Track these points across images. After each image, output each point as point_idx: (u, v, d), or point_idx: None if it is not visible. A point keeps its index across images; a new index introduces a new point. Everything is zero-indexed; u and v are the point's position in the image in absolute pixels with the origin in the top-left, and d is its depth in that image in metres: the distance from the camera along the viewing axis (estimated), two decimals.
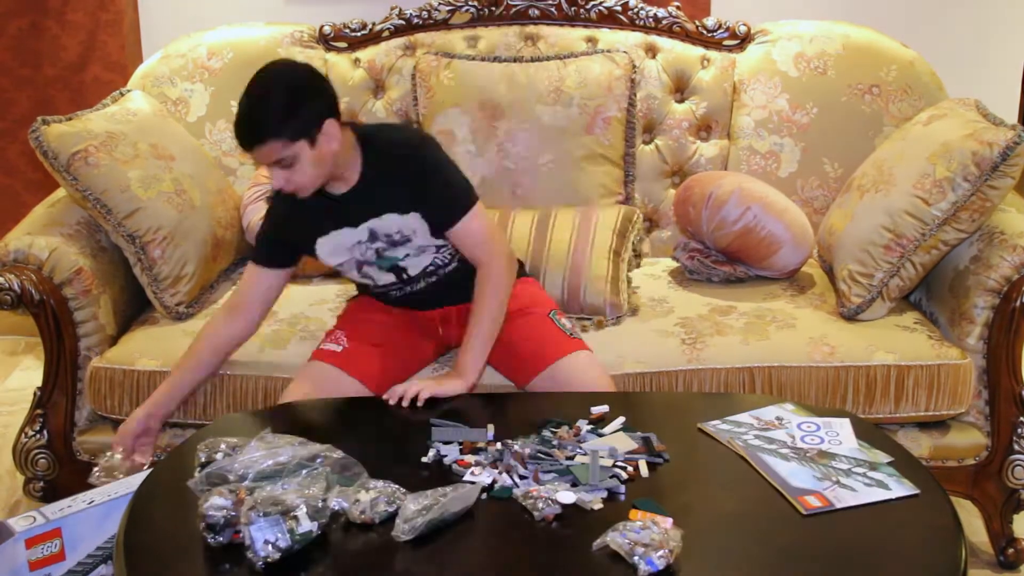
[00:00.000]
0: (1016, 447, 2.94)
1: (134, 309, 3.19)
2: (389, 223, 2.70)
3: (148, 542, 2.05)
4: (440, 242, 2.76)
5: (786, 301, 3.13)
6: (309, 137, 2.50)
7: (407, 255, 2.75)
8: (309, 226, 2.74)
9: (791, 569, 1.92)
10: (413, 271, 2.78)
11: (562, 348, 2.77)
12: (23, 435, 3.00)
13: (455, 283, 2.81)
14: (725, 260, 3.27)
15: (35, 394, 3.01)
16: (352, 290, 3.11)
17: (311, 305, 3.17)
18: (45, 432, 2.99)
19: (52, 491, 3.03)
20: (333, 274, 3.35)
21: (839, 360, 2.88)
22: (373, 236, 2.72)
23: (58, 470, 3.01)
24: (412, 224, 2.71)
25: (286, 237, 2.77)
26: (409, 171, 2.67)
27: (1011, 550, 3.00)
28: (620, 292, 3.11)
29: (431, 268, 2.79)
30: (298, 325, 3.05)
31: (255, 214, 3.35)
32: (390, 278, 2.79)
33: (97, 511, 2.41)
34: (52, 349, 2.96)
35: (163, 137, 3.25)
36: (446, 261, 2.80)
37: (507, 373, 2.84)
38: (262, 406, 2.89)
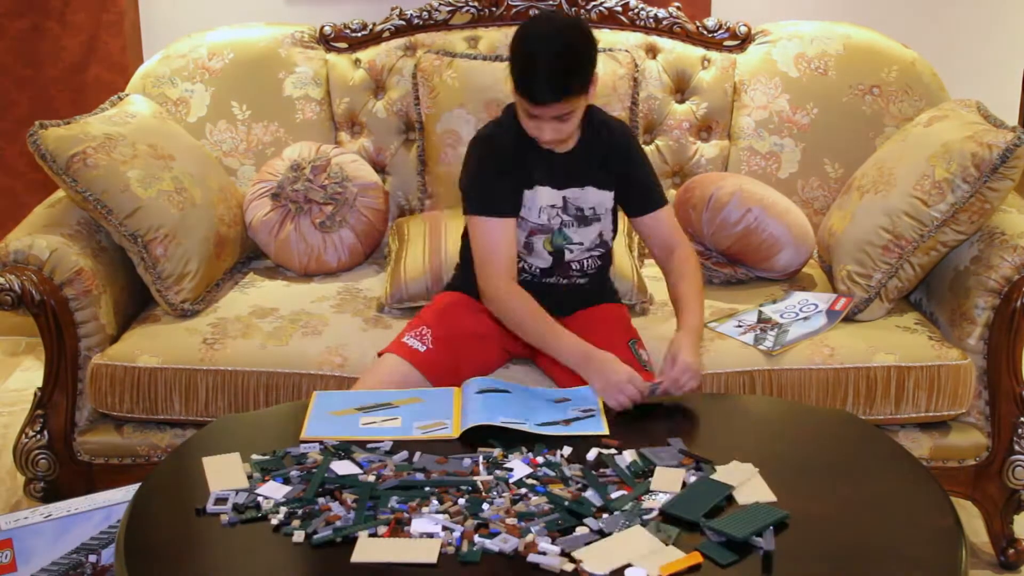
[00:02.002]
0: (1017, 447, 2.94)
1: (135, 309, 3.19)
2: (587, 196, 2.77)
3: (148, 542, 2.05)
4: (602, 249, 2.82)
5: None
6: (587, 89, 2.61)
7: (580, 244, 2.79)
8: (517, 173, 2.73)
9: (791, 569, 1.92)
10: (568, 262, 2.80)
11: None
12: (23, 436, 3.00)
13: (575, 295, 2.82)
14: (726, 262, 3.27)
15: (35, 395, 3.01)
16: (340, 304, 3.08)
17: (312, 302, 3.17)
18: (45, 433, 2.99)
19: (53, 491, 3.03)
20: (332, 272, 3.36)
21: (839, 362, 2.88)
22: (565, 206, 2.76)
23: (59, 471, 3.01)
24: (606, 203, 2.79)
25: (507, 175, 2.72)
26: (622, 152, 2.79)
27: (1012, 551, 3.00)
28: (642, 278, 3.13)
29: (578, 269, 2.82)
30: (299, 321, 3.05)
31: (259, 210, 3.35)
32: (543, 261, 2.79)
33: (53, 525, 2.37)
34: (52, 349, 2.96)
35: (162, 138, 3.25)
36: (594, 267, 2.84)
37: None
38: (264, 403, 2.90)
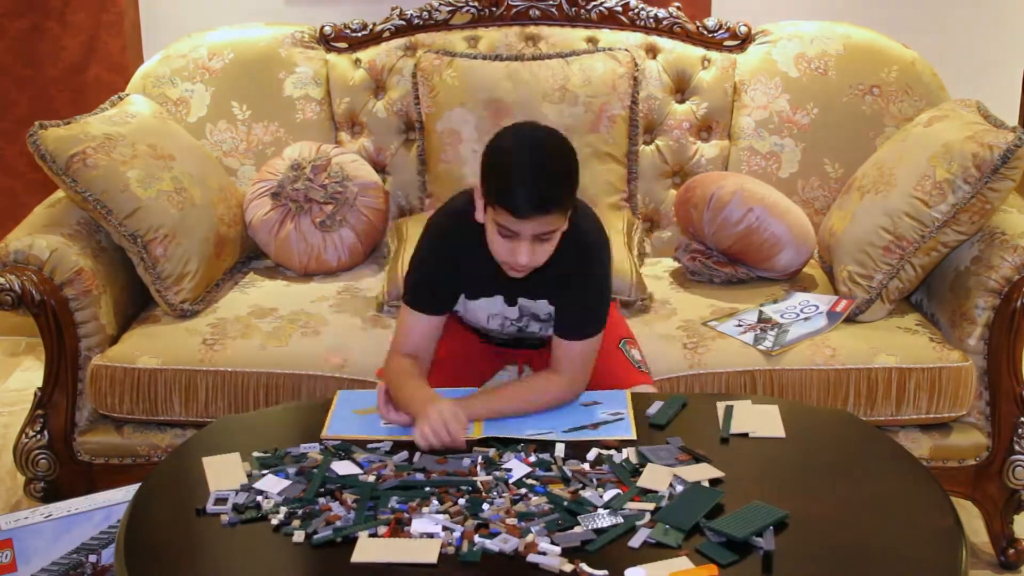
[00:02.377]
0: (1017, 448, 2.94)
1: (135, 309, 3.19)
2: (540, 307, 2.59)
3: (148, 542, 2.05)
4: None
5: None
6: (572, 204, 2.38)
7: (541, 328, 2.65)
8: (462, 280, 2.56)
9: (791, 569, 1.92)
10: (532, 332, 2.70)
11: (625, 382, 2.67)
12: (23, 436, 3.00)
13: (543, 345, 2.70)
14: (726, 261, 3.26)
15: (36, 395, 3.01)
16: (341, 303, 3.09)
17: (312, 302, 3.17)
18: (46, 433, 2.99)
19: (53, 492, 3.03)
20: (332, 272, 3.35)
21: (840, 363, 2.88)
22: (521, 314, 2.61)
23: (59, 471, 3.01)
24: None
25: (442, 280, 2.55)
26: (576, 266, 2.47)
27: (1012, 551, 3.00)
28: (641, 275, 3.12)
29: (546, 332, 2.65)
30: (299, 322, 3.05)
31: (259, 209, 3.35)
32: (510, 333, 2.70)
33: (53, 525, 2.37)
34: (53, 349, 2.96)
35: (162, 138, 3.25)
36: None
37: None
38: (263, 404, 2.90)
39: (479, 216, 2.40)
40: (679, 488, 2.12)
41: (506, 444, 2.30)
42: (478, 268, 2.49)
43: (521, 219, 2.28)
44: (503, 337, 2.74)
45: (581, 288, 2.50)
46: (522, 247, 2.33)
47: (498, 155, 2.35)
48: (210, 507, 2.07)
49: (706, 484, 2.12)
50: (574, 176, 2.34)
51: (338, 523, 2.02)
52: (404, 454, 2.27)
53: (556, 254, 2.39)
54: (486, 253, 2.41)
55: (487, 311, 2.62)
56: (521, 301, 2.59)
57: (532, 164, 2.29)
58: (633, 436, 2.34)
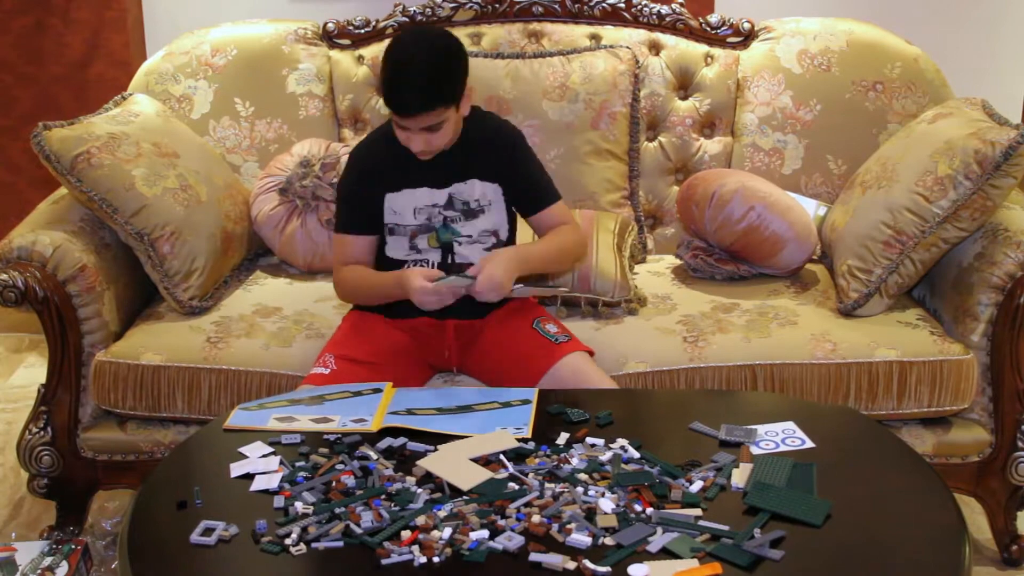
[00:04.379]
0: (1020, 444, 2.94)
1: (138, 306, 3.20)
2: (471, 189, 2.78)
3: (152, 540, 2.05)
4: (494, 240, 2.80)
5: (789, 298, 3.13)
6: (457, 101, 2.64)
7: (468, 236, 2.79)
8: (384, 180, 2.78)
9: (792, 567, 1.92)
10: (459, 258, 2.80)
11: (548, 359, 2.74)
12: (27, 432, 3.00)
13: (465, 297, 2.73)
14: (728, 258, 3.26)
15: (39, 391, 3.02)
16: (342, 303, 3.09)
17: (316, 302, 3.17)
18: (49, 429, 3.00)
19: (56, 488, 3.04)
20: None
21: (841, 357, 2.88)
22: (450, 202, 2.77)
23: (62, 467, 3.02)
24: (490, 195, 2.78)
25: (364, 194, 2.80)
26: (507, 144, 2.81)
27: (1015, 547, 3.00)
28: (627, 276, 3.12)
29: (489, 244, 2.81)
30: (303, 323, 3.05)
31: (266, 205, 3.35)
32: (435, 257, 2.80)
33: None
34: (56, 346, 2.96)
35: (166, 136, 3.25)
36: (500, 243, 2.83)
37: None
38: None
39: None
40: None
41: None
42: (399, 163, 2.74)
43: (402, 116, 2.60)
44: (431, 253, 2.80)
45: (525, 167, 2.83)
46: (413, 137, 2.64)
47: (386, 57, 2.62)
48: (195, 538, 2.00)
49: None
50: (455, 73, 2.62)
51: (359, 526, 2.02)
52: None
53: (482, 140, 2.75)
54: (397, 155, 2.72)
55: (413, 204, 2.79)
56: (453, 187, 2.78)
57: (413, 66, 2.57)
58: (528, 433, 2.34)
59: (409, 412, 2.43)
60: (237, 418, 2.44)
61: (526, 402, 2.47)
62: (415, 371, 2.85)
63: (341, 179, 2.89)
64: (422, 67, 2.57)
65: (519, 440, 2.30)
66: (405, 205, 2.79)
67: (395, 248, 2.82)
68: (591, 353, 2.84)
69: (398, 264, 2.81)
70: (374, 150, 2.81)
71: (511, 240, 2.87)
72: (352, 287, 2.84)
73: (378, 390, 2.54)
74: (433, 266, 2.79)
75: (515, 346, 2.79)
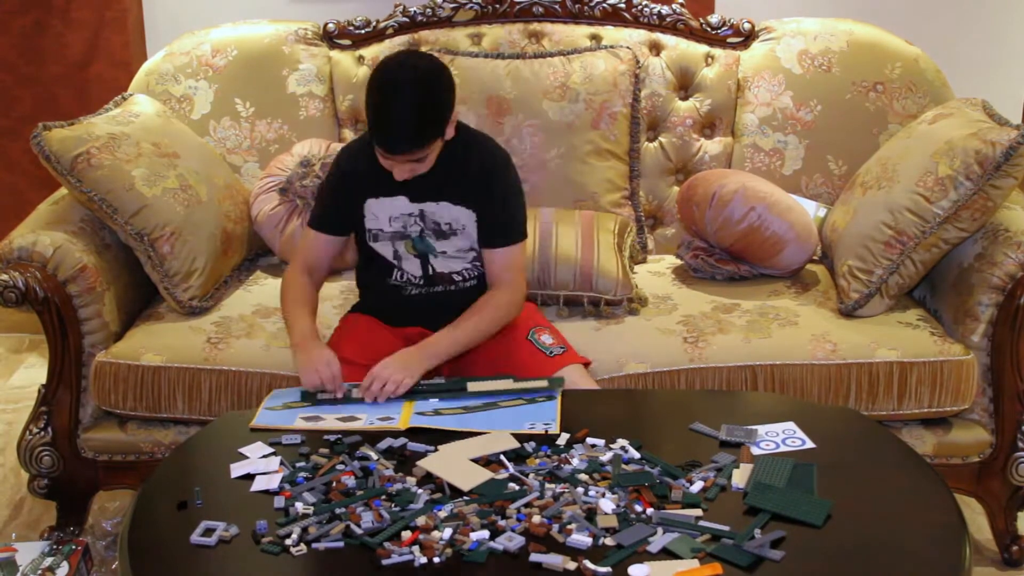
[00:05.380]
0: (1020, 445, 2.94)
1: (138, 306, 3.20)
2: (443, 211, 2.76)
3: (153, 540, 2.05)
4: (474, 254, 2.79)
5: (790, 299, 3.13)
6: (443, 133, 2.62)
7: (443, 252, 2.78)
8: (365, 186, 2.77)
9: (793, 566, 1.92)
10: (439, 268, 2.80)
11: (544, 371, 2.71)
12: (27, 432, 3.00)
13: (458, 305, 2.76)
14: (729, 259, 3.26)
15: (39, 391, 3.02)
16: (344, 304, 3.09)
17: None
18: (50, 429, 3.00)
19: (57, 488, 3.04)
20: (337, 272, 3.35)
21: (841, 357, 2.88)
22: (423, 217, 2.76)
23: (62, 467, 3.02)
24: (463, 220, 2.76)
25: (342, 196, 2.80)
26: (484, 172, 2.74)
27: (1015, 547, 3.00)
28: (628, 275, 3.12)
29: (454, 276, 2.81)
30: None
31: (266, 204, 3.35)
32: (415, 267, 2.80)
33: None
34: (56, 346, 2.96)
35: (166, 136, 3.25)
36: (469, 276, 2.82)
37: None
38: None
39: None
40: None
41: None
42: (382, 171, 2.68)
43: (388, 156, 2.58)
44: (422, 289, 2.81)
45: (500, 197, 2.75)
46: (397, 167, 2.62)
47: (371, 92, 2.58)
48: (195, 538, 2.01)
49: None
50: (441, 112, 2.59)
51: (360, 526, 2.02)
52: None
53: (461, 164, 2.70)
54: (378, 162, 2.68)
55: (389, 212, 2.78)
56: (425, 204, 2.75)
57: (399, 108, 2.52)
58: (557, 428, 2.36)
59: (436, 412, 2.44)
60: (263, 418, 2.44)
61: (551, 398, 2.49)
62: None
63: (326, 177, 2.91)
64: (411, 110, 2.52)
65: (549, 435, 2.33)
66: (382, 211, 2.78)
67: (383, 250, 2.83)
68: (587, 364, 2.83)
69: (387, 263, 2.83)
70: (360, 154, 2.78)
71: (473, 267, 2.84)
72: (283, 298, 2.84)
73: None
74: (419, 280, 2.82)
75: (508, 359, 2.76)
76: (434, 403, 2.50)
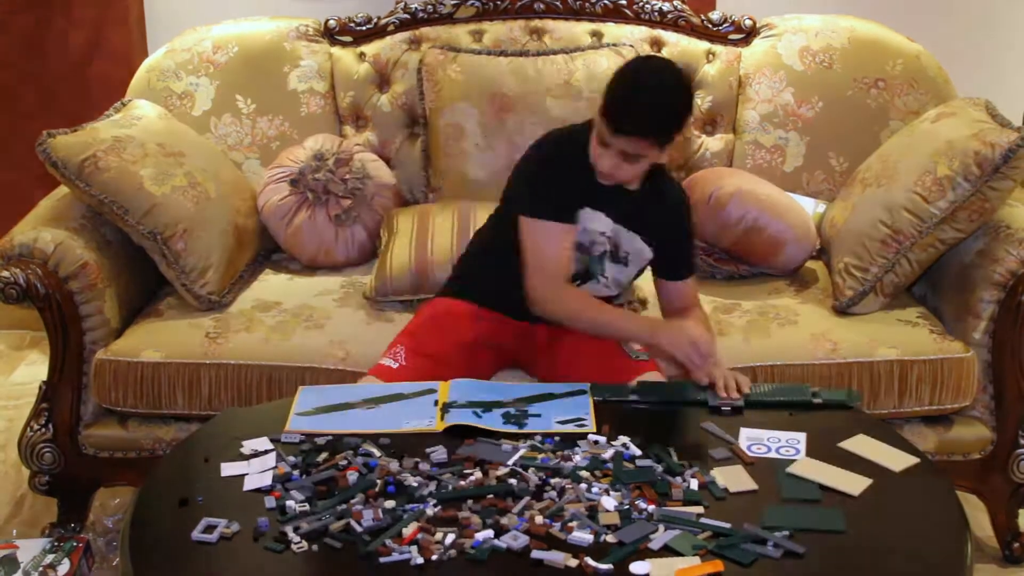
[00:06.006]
0: (1022, 441, 2.95)
1: (139, 303, 3.20)
2: (631, 240, 2.75)
3: (154, 537, 2.05)
4: (624, 283, 2.85)
5: (789, 297, 3.13)
6: (668, 144, 2.58)
7: (606, 277, 2.78)
8: (582, 189, 2.67)
9: (796, 562, 1.92)
10: (603, 283, 2.79)
11: (630, 374, 2.68)
12: (28, 429, 3.01)
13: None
14: (728, 258, 3.26)
15: (40, 388, 3.02)
16: (344, 298, 3.09)
17: (316, 296, 3.17)
18: (51, 426, 3.00)
19: (57, 485, 3.04)
20: (338, 267, 3.35)
21: (841, 356, 2.88)
22: (616, 240, 2.74)
23: (63, 464, 3.02)
24: (644, 254, 2.77)
25: (567, 187, 2.67)
26: (677, 215, 2.79)
27: (1016, 544, 3.00)
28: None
29: (607, 293, 2.82)
30: (303, 316, 3.05)
31: (274, 195, 3.35)
32: (596, 253, 2.77)
33: None
34: (57, 343, 2.96)
35: (170, 136, 3.25)
36: (613, 296, 2.86)
37: None
38: (267, 397, 2.90)
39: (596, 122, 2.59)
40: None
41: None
42: (594, 179, 2.64)
43: (615, 133, 2.51)
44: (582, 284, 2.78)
45: (687, 235, 2.82)
46: (607, 154, 2.56)
47: (622, 74, 2.59)
48: (196, 535, 2.01)
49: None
50: (676, 114, 2.56)
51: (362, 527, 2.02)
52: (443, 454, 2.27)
53: (658, 204, 2.71)
54: (589, 169, 2.63)
55: (588, 224, 2.71)
56: (621, 228, 2.72)
57: (641, 88, 2.53)
58: (592, 426, 2.36)
59: (474, 413, 2.41)
60: (296, 423, 2.40)
61: (581, 392, 2.50)
62: (485, 368, 2.79)
63: (535, 164, 2.73)
64: (664, 93, 2.53)
65: (584, 433, 2.33)
66: (591, 221, 2.71)
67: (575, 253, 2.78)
68: (663, 373, 2.80)
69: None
70: (579, 152, 2.65)
71: (614, 295, 2.87)
72: (575, 314, 2.71)
73: (432, 390, 2.52)
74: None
75: (599, 359, 2.72)
76: (465, 396, 2.47)
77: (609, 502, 2.06)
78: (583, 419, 2.38)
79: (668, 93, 2.55)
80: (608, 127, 2.52)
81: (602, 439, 2.30)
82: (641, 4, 3.61)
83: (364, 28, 3.66)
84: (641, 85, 2.54)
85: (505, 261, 2.74)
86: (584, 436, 2.31)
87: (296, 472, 2.19)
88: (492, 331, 2.81)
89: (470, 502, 2.08)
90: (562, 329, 2.75)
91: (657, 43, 3.58)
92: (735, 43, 3.61)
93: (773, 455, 2.25)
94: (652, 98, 2.52)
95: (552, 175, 2.69)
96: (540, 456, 2.23)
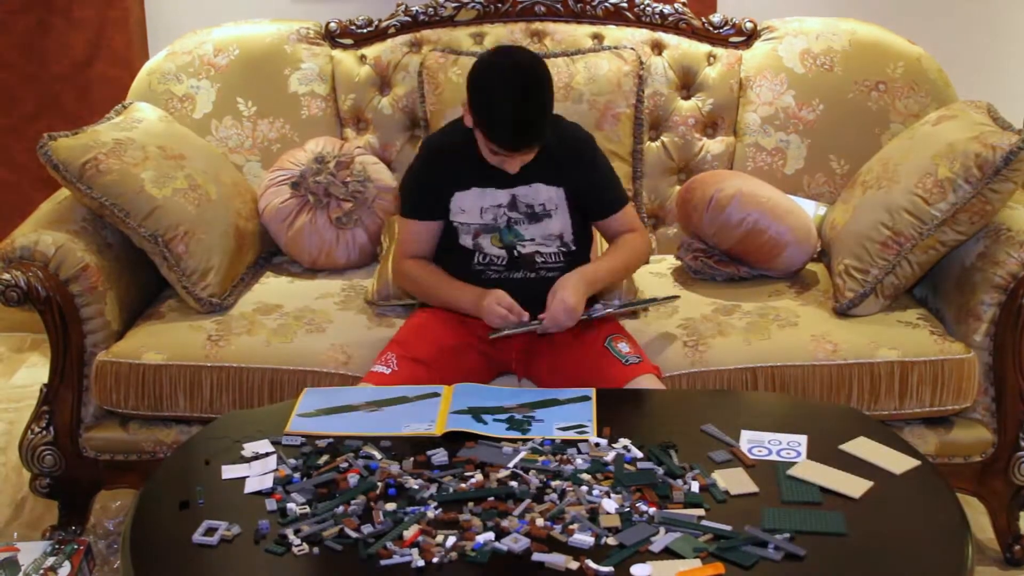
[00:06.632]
0: (1023, 444, 2.94)
1: (140, 306, 3.20)
2: (535, 192, 2.80)
3: (154, 540, 2.05)
4: (567, 237, 2.84)
5: (790, 299, 3.13)
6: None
7: (531, 239, 2.81)
8: (452, 178, 2.81)
9: (796, 565, 1.92)
10: (527, 255, 2.82)
11: (617, 380, 2.70)
12: (29, 432, 3.00)
13: (539, 295, 2.74)
14: (728, 260, 3.26)
15: (41, 391, 3.02)
16: (345, 300, 3.09)
17: (317, 299, 3.17)
18: (51, 429, 3.00)
19: (58, 488, 3.04)
20: (339, 270, 3.35)
21: (842, 358, 2.88)
22: (513, 204, 2.79)
23: (64, 467, 3.02)
24: (556, 200, 2.80)
25: (430, 187, 2.83)
26: (571, 148, 2.82)
27: (1017, 547, 3.00)
28: (633, 281, 3.12)
29: (540, 261, 2.83)
30: (304, 319, 3.05)
31: (275, 198, 3.35)
32: (500, 255, 2.81)
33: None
34: (58, 346, 2.96)
35: (170, 139, 3.26)
36: (555, 262, 2.83)
37: None
38: (268, 400, 2.90)
39: (468, 122, 2.70)
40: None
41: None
42: (470, 162, 2.76)
43: (507, 153, 2.64)
44: (504, 274, 2.81)
45: (590, 173, 2.84)
46: (510, 161, 2.69)
47: (483, 93, 2.64)
48: (197, 537, 2.01)
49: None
50: (550, 106, 2.67)
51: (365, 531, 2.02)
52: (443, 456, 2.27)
53: (547, 145, 2.71)
54: (477, 150, 2.72)
55: (480, 204, 2.80)
56: (516, 188, 2.79)
57: (514, 108, 2.58)
58: (594, 433, 2.35)
59: (475, 418, 2.41)
60: (297, 424, 2.41)
61: (585, 398, 2.50)
62: (477, 375, 2.79)
63: (411, 168, 2.92)
64: (536, 110, 2.62)
65: (585, 439, 2.32)
66: (472, 204, 2.81)
67: (466, 241, 2.84)
68: (658, 372, 2.82)
69: (468, 253, 2.83)
70: (447, 146, 2.83)
71: (578, 243, 2.87)
72: (422, 285, 2.88)
73: (436, 394, 2.53)
74: (502, 262, 2.82)
75: (585, 364, 2.75)
76: (468, 401, 2.48)
77: (610, 504, 2.06)
78: (584, 426, 2.38)
79: (541, 94, 2.63)
80: (498, 147, 2.64)
81: (603, 442, 2.30)
82: (642, 7, 3.61)
83: (365, 31, 3.66)
84: (505, 103, 2.59)
85: (449, 266, 2.87)
86: (584, 441, 2.31)
87: (297, 475, 2.20)
88: (473, 338, 2.82)
89: (471, 504, 2.09)
90: (548, 336, 2.76)
91: (658, 46, 3.58)
92: (736, 46, 3.60)
93: (774, 457, 2.26)
94: (529, 114, 2.61)
95: (416, 180, 2.88)
96: (541, 459, 2.23)
